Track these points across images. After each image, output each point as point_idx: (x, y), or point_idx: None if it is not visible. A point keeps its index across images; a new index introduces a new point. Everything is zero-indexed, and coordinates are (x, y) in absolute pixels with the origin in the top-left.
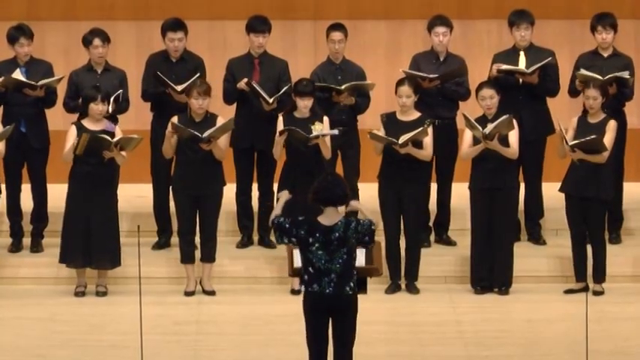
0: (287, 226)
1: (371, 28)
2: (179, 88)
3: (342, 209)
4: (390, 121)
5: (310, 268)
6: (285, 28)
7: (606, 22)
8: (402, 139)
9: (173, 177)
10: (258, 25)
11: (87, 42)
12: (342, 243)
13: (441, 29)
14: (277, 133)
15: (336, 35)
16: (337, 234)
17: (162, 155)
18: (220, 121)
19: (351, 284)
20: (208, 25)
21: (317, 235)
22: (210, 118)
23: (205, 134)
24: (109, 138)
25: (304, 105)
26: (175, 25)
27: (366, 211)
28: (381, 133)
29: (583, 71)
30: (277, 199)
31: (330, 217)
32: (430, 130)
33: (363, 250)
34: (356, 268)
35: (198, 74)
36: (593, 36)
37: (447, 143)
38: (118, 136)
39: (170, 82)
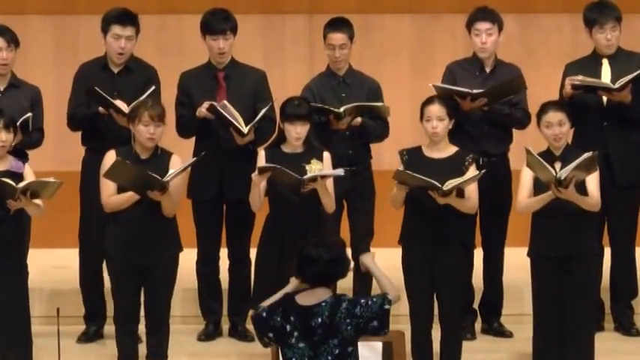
0: (264, 315)
1: (391, 24)
2: (126, 108)
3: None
4: (415, 158)
5: None
6: (269, 26)
7: None
8: (449, 184)
9: (106, 239)
10: (215, 22)
11: None
12: (330, 332)
13: (483, 25)
14: (256, 171)
15: (337, 38)
16: (319, 319)
17: (97, 209)
18: (177, 163)
19: None
20: (158, 21)
21: (291, 319)
22: (160, 156)
23: (167, 177)
24: (11, 182)
25: (296, 135)
26: (124, 17)
27: (381, 275)
28: None
29: None
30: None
31: (313, 294)
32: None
33: (380, 344)
34: None
35: (153, 87)
36: None
37: (495, 190)
38: (28, 178)
39: (111, 99)
